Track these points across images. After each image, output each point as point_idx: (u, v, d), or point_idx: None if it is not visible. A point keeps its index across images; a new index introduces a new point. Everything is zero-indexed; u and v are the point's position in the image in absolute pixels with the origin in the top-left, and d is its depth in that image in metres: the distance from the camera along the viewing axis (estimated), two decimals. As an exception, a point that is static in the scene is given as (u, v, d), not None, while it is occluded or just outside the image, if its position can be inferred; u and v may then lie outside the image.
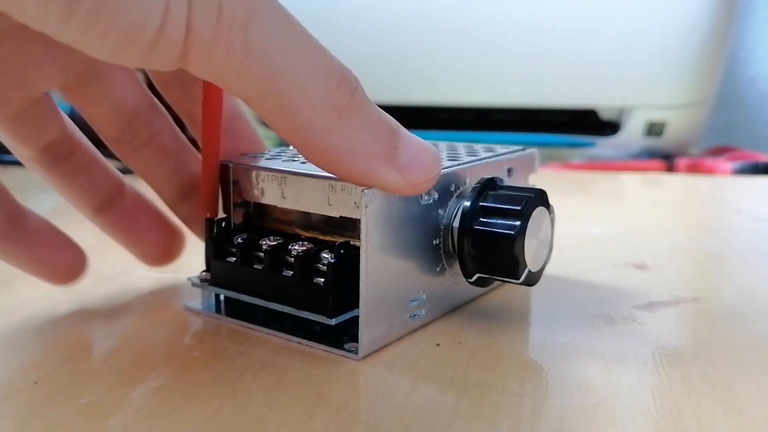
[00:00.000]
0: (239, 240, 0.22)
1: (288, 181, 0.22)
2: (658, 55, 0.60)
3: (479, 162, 0.24)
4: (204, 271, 0.24)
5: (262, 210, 0.24)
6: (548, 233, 0.23)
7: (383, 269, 0.20)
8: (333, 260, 0.20)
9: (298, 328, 0.22)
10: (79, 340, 0.21)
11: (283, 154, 0.25)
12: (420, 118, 0.70)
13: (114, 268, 0.28)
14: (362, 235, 0.19)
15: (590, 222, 0.40)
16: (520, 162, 0.27)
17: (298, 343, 0.21)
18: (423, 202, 0.22)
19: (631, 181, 0.59)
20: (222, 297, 0.24)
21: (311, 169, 0.22)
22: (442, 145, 0.28)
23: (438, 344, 0.21)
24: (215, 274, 0.23)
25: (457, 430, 0.17)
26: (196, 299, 0.24)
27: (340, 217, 0.21)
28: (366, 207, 0.19)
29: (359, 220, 0.20)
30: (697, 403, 0.18)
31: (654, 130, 0.66)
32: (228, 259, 0.23)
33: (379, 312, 0.21)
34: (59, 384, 0.18)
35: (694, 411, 0.18)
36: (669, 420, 0.17)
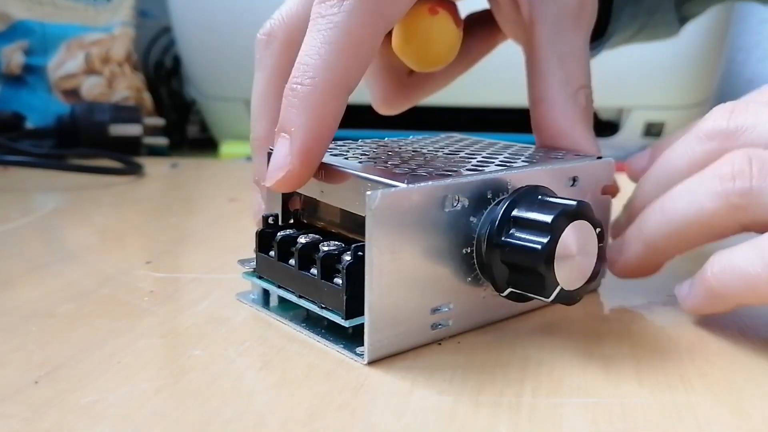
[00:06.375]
0: (279, 236, 0.23)
1: (326, 175, 0.22)
2: (656, 56, 0.60)
3: (525, 168, 0.22)
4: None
5: (314, 207, 0.24)
6: (593, 249, 0.21)
7: (394, 274, 0.20)
8: (350, 262, 0.20)
9: (317, 325, 0.22)
10: (79, 340, 0.21)
11: (339, 148, 0.25)
12: (418, 118, 0.70)
13: (114, 268, 0.28)
14: (367, 237, 0.19)
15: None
16: (589, 171, 0.24)
17: (314, 339, 0.22)
18: (448, 209, 0.20)
19: (630, 181, 0.58)
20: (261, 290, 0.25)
21: (349, 166, 0.21)
22: (500, 145, 0.28)
23: (438, 343, 0.21)
24: (259, 266, 0.24)
25: (456, 430, 0.17)
26: (245, 292, 0.25)
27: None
28: (371, 209, 0.19)
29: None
30: (696, 402, 0.18)
31: (653, 130, 0.66)
32: (270, 254, 0.23)
33: (387, 318, 0.20)
34: (60, 384, 0.18)
35: (692, 410, 0.18)
36: (668, 419, 0.17)
